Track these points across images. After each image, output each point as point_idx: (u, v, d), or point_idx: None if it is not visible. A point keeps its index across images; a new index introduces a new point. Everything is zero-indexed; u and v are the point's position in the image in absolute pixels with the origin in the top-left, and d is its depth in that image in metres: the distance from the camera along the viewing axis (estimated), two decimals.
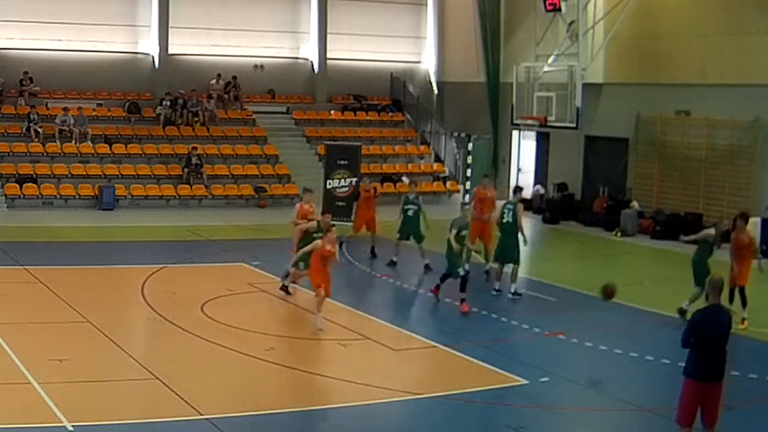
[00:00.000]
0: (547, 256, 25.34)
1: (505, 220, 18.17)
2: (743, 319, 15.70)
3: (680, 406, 9.46)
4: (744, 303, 15.90)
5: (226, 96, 33.50)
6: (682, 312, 15.90)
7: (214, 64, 33.63)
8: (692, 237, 17.23)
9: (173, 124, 31.82)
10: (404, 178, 33.03)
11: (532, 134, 32.97)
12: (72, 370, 12.38)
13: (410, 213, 20.69)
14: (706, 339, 9.28)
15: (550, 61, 29.58)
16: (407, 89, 36.39)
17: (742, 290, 16.01)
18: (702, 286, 15.91)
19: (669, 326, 15.56)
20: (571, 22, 28.84)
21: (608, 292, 15.46)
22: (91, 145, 29.76)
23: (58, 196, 28.08)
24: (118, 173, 29.37)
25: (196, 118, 32.21)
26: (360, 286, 19.12)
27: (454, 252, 16.90)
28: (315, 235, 16.68)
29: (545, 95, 29.49)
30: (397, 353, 14.35)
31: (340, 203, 27.41)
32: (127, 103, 32.01)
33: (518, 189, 19.51)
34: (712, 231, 16.89)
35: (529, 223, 29.59)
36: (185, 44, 33.25)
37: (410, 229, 20.71)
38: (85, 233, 24.03)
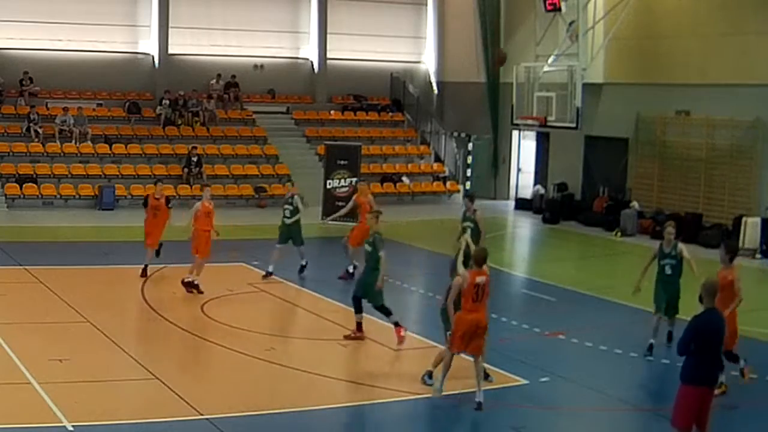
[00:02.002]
0: (547, 256, 25.35)
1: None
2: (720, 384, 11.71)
3: (679, 411, 9.39)
4: (736, 360, 12.46)
5: (226, 96, 33.51)
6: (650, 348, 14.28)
7: (214, 64, 33.63)
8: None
9: (173, 124, 31.83)
10: (404, 179, 33.05)
11: (532, 134, 32.98)
12: (72, 370, 12.38)
13: (287, 214, 19.27)
14: (706, 344, 9.25)
15: (550, 61, 29.57)
16: (407, 89, 36.39)
17: (727, 354, 11.93)
18: (659, 311, 14.28)
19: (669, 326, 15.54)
20: (571, 22, 28.83)
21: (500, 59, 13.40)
22: (91, 145, 29.77)
23: (58, 196, 28.08)
24: (118, 173, 29.37)
25: (196, 118, 32.23)
26: None
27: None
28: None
29: (545, 95, 29.48)
30: (397, 353, 14.34)
31: (341, 203, 27.44)
32: (127, 103, 32.01)
33: (470, 197, 18.11)
34: (656, 246, 14.56)
35: (527, 223, 29.71)
36: (185, 44, 33.25)
37: (290, 232, 19.28)
38: (85, 233, 24.02)
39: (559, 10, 28.98)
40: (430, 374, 12.21)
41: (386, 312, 14.44)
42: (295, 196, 19.37)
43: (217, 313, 15.91)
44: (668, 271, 14.18)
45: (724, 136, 25.92)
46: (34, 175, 28.36)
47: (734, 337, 12.19)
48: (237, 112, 33.49)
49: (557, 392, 12.50)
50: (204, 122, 32.32)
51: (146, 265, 18.48)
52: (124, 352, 13.43)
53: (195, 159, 29.89)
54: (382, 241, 14.52)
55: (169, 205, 18.87)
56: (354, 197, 20.35)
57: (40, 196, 27.79)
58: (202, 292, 17.06)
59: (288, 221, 19.15)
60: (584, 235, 27.50)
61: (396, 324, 14.39)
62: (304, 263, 19.32)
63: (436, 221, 21.63)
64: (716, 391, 11.15)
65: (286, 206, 19.27)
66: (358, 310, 14.46)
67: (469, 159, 34.29)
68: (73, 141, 29.55)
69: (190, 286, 17.18)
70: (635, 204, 27.57)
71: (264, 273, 19.02)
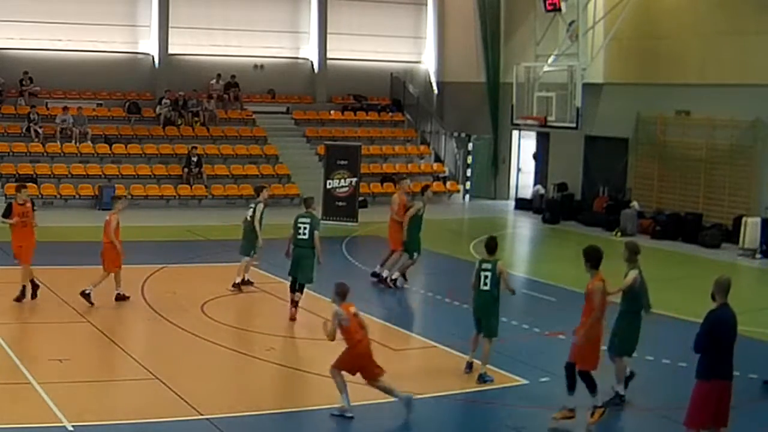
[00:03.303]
0: (547, 256, 25.34)
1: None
2: (594, 409, 11.12)
3: (694, 409, 9.38)
4: (591, 388, 11.12)
5: (226, 96, 33.52)
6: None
7: (214, 64, 33.65)
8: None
9: (173, 124, 31.84)
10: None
11: (532, 134, 32.98)
12: (72, 370, 12.39)
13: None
14: (720, 340, 9.30)
15: (550, 61, 29.59)
16: (407, 89, 36.40)
17: (583, 375, 11.09)
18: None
19: (669, 326, 15.54)
20: (571, 22, 28.84)
21: None
22: (91, 145, 29.77)
23: (58, 196, 28.09)
24: (118, 173, 29.38)
25: (196, 118, 32.24)
26: (360, 286, 19.09)
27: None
28: None
29: (545, 95, 29.50)
30: (397, 353, 14.34)
31: (340, 203, 27.47)
32: (127, 103, 32.03)
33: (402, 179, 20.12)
34: (633, 275, 11.62)
35: (528, 223, 29.71)
36: (185, 44, 33.27)
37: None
38: (85, 233, 24.01)
39: (559, 10, 28.99)
40: (470, 365, 12.84)
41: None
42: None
43: (217, 313, 15.90)
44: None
45: (724, 136, 25.91)
46: (34, 175, 28.36)
47: (591, 357, 11.01)
48: (237, 112, 33.50)
49: (557, 392, 12.47)
50: (204, 122, 32.34)
51: (25, 286, 16.04)
52: (124, 352, 13.43)
53: (195, 159, 29.89)
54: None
55: (35, 209, 16.78)
56: (400, 197, 19.42)
57: (40, 196, 27.76)
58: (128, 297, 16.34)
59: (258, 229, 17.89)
60: (584, 235, 27.44)
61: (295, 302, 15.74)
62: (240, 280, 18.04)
63: (436, 221, 21.55)
64: (591, 419, 10.89)
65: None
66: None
67: (469, 159, 34.31)
68: (73, 141, 29.55)
69: (122, 299, 16.28)
70: (635, 204, 27.57)
71: (239, 282, 17.91)
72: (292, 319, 15.61)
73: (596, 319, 10.92)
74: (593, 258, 10.98)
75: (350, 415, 11.09)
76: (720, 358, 9.31)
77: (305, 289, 16.41)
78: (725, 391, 9.38)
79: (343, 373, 11.24)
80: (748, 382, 12.66)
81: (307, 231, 15.70)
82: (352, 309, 11.30)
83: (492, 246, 12.89)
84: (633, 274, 11.68)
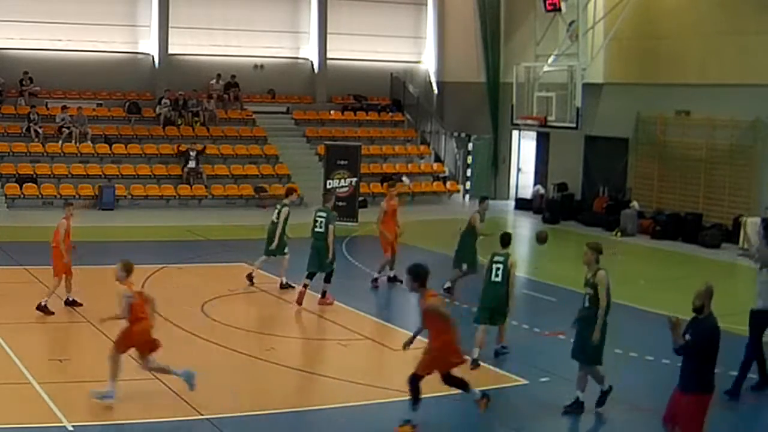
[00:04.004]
0: (547, 256, 25.33)
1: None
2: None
3: (695, 423, 9.29)
4: (462, 388, 11.19)
5: (226, 96, 33.52)
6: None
7: (214, 64, 33.65)
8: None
9: (173, 124, 31.84)
10: (404, 178, 33.02)
11: (532, 134, 32.98)
12: (72, 370, 12.40)
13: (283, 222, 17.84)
14: (713, 350, 9.32)
15: (550, 61, 29.59)
16: (407, 89, 36.41)
17: (446, 379, 11.08)
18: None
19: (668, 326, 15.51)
20: (571, 22, 28.85)
21: (542, 238, 14.36)
22: (91, 145, 29.77)
23: (58, 196, 28.02)
24: (118, 173, 29.39)
25: (196, 118, 32.24)
26: (360, 286, 19.11)
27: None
28: None
29: (545, 95, 29.50)
30: (397, 353, 14.32)
31: (340, 203, 27.44)
32: (127, 103, 32.04)
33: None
34: (603, 275, 11.31)
35: (528, 223, 29.70)
36: (185, 44, 33.28)
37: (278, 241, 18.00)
38: (85, 233, 23.99)
39: (559, 10, 28.99)
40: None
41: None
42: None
43: (217, 313, 15.91)
44: (586, 303, 11.50)
45: (724, 136, 25.92)
46: (34, 175, 28.37)
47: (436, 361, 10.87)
48: (237, 112, 33.50)
49: (557, 392, 12.48)
50: (204, 122, 32.34)
51: None
52: None
53: (193, 154, 29.82)
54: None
55: None
56: (389, 203, 19.40)
57: (40, 196, 27.79)
58: (81, 304, 15.80)
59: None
60: (584, 235, 27.38)
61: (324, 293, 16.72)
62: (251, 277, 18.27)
63: (436, 221, 21.51)
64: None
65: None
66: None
67: (469, 159, 34.31)
68: (73, 141, 29.55)
69: (73, 304, 15.72)
70: (635, 204, 27.58)
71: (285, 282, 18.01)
72: (299, 302, 16.31)
73: (450, 332, 10.66)
74: (421, 277, 10.65)
75: (112, 396, 10.91)
76: (711, 369, 9.33)
77: (307, 289, 16.49)
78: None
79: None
80: (747, 382, 12.65)
81: (323, 224, 16.51)
82: (134, 287, 11.34)
83: (506, 240, 13.42)
84: (603, 274, 11.30)
